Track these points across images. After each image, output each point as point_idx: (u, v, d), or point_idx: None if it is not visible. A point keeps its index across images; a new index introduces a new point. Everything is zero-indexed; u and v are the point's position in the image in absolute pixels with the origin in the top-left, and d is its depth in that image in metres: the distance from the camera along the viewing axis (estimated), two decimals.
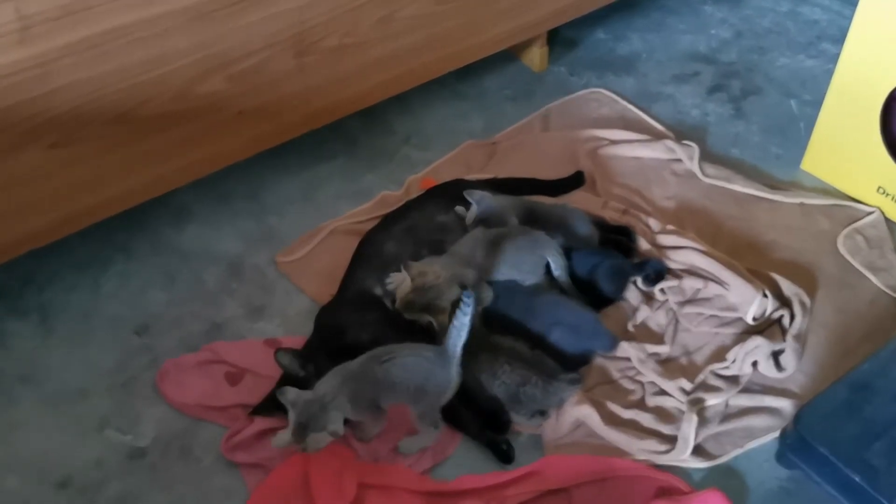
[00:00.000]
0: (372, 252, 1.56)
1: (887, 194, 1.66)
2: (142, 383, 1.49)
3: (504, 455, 1.36)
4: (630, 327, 1.52)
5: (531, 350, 1.44)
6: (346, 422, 1.37)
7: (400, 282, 1.45)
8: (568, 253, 1.56)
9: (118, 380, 1.50)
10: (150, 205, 1.69)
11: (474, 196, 1.58)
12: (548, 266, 1.53)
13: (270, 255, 1.69)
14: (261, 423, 1.39)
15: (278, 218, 1.77)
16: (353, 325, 1.46)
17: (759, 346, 1.43)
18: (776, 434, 1.35)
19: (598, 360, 1.47)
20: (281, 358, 1.39)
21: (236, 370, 1.48)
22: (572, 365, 1.45)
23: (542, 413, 1.39)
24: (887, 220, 1.68)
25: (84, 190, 1.51)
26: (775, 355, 1.45)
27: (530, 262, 1.52)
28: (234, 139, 1.65)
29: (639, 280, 1.56)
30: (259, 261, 1.69)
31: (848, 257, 1.62)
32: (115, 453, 1.40)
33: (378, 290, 1.50)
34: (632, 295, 1.56)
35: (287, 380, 1.40)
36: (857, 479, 1.20)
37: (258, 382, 1.45)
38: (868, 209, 1.69)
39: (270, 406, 1.39)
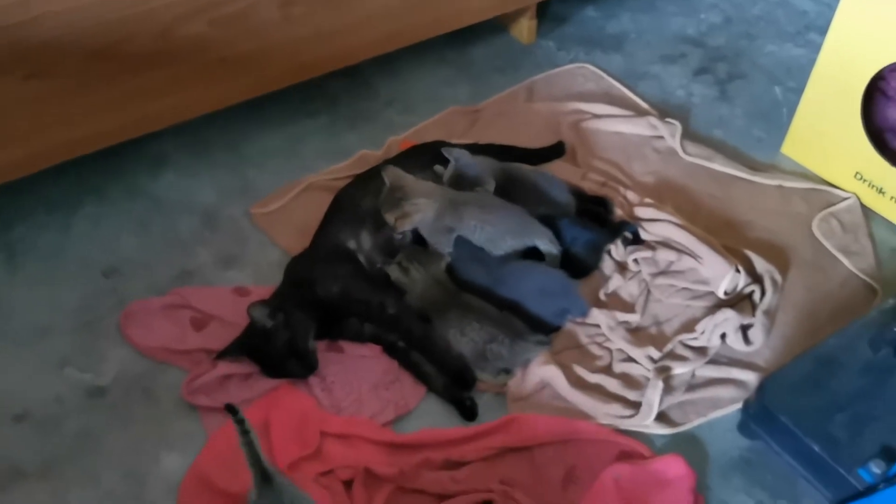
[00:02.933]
0: (347, 207, 1.55)
1: (864, 180, 1.66)
2: (106, 324, 1.47)
3: (468, 411, 1.35)
4: (602, 296, 1.52)
5: (500, 311, 1.43)
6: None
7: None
8: (545, 220, 1.55)
9: (82, 319, 1.48)
10: (127, 150, 1.68)
11: (452, 154, 1.57)
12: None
13: (246, 207, 1.68)
14: (224, 368, 1.38)
15: (257, 171, 1.76)
16: (324, 277, 1.45)
17: (728, 319, 1.43)
18: (740, 405, 1.35)
19: (568, 325, 1.46)
20: (253, 311, 1.37)
21: (202, 316, 1.47)
22: (543, 330, 1.45)
23: (508, 371, 1.39)
24: (863, 206, 1.68)
25: (59, 125, 1.49)
26: (744, 329, 1.45)
27: (511, 247, 1.50)
28: (215, 87, 1.63)
29: (613, 249, 1.55)
30: (234, 212, 1.67)
31: (822, 240, 1.62)
32: (75, 391, 1.38)
33: (351, 244, 1.49)
34: (605, 264, 1.55)
35: (254, 330, 1.38)
36: (816, 448, 1.20)
37: (224, 329, 1.43)
38: (845, 195, 1.70)
39: (235, 352, 1.38)
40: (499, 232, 1.49)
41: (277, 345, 1.36)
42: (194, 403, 1.35)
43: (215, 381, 1.37)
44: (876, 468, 1.15)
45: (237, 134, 1.82)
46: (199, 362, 1.40)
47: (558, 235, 1.53)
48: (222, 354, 1.38)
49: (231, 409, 1.10)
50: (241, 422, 1.09)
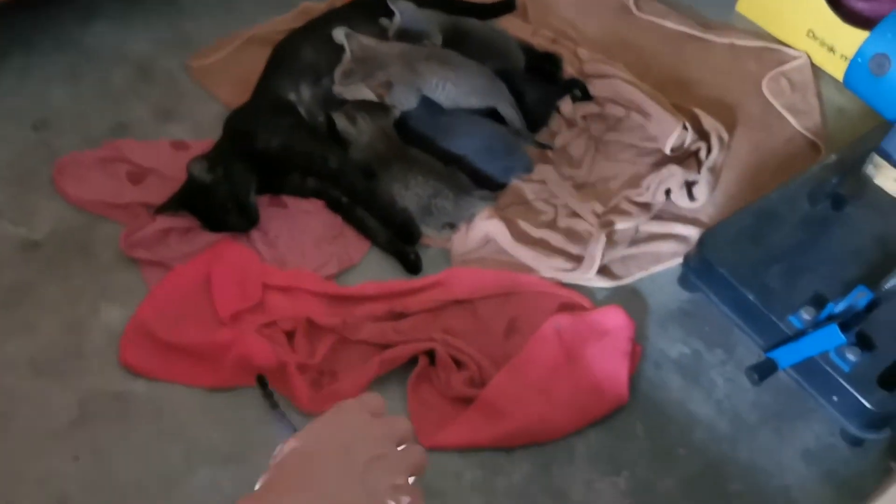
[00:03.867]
0: (288, 57, 1.49)
1: (816, 38, 1.64)
2: (39, 178, 1.42)
3: (412, 265, 1.35)
4: (549, 152, 1.50)
5: (446, 166, 1.41)
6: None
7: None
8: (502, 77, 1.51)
9: (13, 173, 1.43)
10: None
11: (398, 6, 1.51)
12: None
13: (183, 60, 1.61)
14: (164, 222, 1.34)
15: (194, 23, 1.68)
16: (265, 129, 1.40)
17: (673, 175, 1.43)
18: (682, 259, 1.37)
19: (514, 182, 1.45)
20: (192, 166, 1.33)
21: (139, 170, 1.43)
22: (489, 187, 1.44)
23: (452, 226, 1.38)
24: (814, 65, 1.67)
25: None
26: (689, 186, 1.45)
27: (473, 106, 1.47)
28: None
29: (561, 105, 1.53)
30: (171, 64, 1.60)
31: (771, 99, 1.61)
32: (7, 244, 1.34)
33: (292, 97, 1.44)
34: (553, 121, 1.53)
35: (193, 185, 1.35)
36: (751, 297, 1.22)
37: (162, 183, 1.39)
38: (796, 53, 1.68)
39: (174, 206, 1.35)
40: (463, 92, 1.46)
41: (217, 199, 1.33)
42: (133, 257, 1.32)
43: (154, 235, 1.34)
44: (806, 315, 1.18)
45: None
46: (137, 216, 1.37)
47: (518, 95, 1.50)
48: (161, 209, 1.35)
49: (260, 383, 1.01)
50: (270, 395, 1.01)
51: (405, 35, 1.51)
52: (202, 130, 1.50)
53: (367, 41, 1.45)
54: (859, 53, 1.40)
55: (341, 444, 0.61)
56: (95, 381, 1.20)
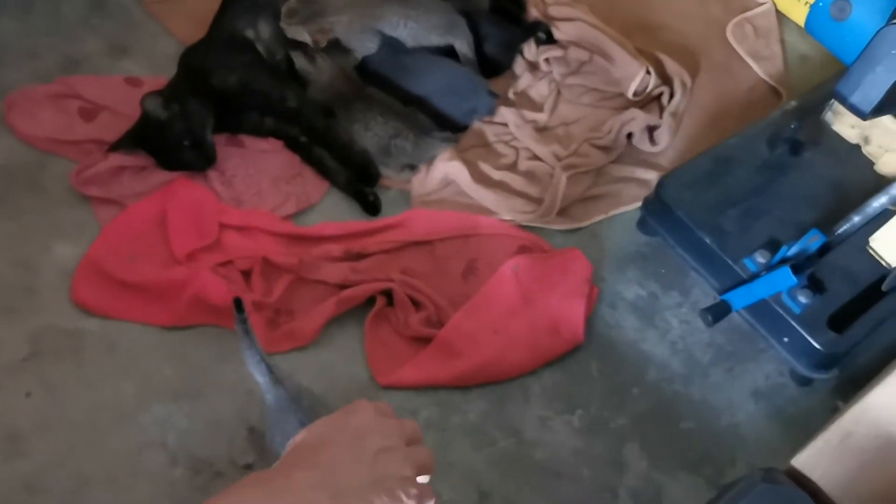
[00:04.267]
0: None
1: None
2: None
3: (371, 207, 1.34)
4: (511, 94, 1.49)
5: (406, 106, 1.40)
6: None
7: None
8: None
9: None
10: None
11: None
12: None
13: None
14: (117, 159, 1.32)
15: None
16: (221, 66, 1.37)
17: (635, 119, 1.43)
18: (641, 203, 1.37)
19: (476, 124, 1.44)
20: (146, 102, 1.30)
21: (92, 106, 1.39)
22: (450, 129, 1.43)
23: (412, 167, 1.37)
24: (778, 11, 1.66)
25: None
26: (650, 130, 1.45)
27: (434, 44, 1.46)
28: None
29: (525, 48, 1.51)
30: None
31: (735, 45, 1.61)
32: None
33: (249, 34, 1.41)
34: (516, 64, 1.52)
35: (147, 122, 1.32)
36: (707, 240, 1.23)
37: (116, 120, 1.36)
38: (761, 0, 1.68)
39: (128, 143, 1.32)
40: (424, 28, 1.44)
41: (173, 136, 1.30)
42: (86, 194, 1.30)
43: (108, 173, 1.31)
44: (761, 258, 1.19)
45: None
46: (89, 153, 1.34)
47: (477, 36, 1.48)
48: (115, 146, 1.32)
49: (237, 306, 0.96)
50: (244, 321, 0.96)
51: None
52: (157, 67, 1.46)
53: None
54: None
55: (353, 434, 0.64)
56: (47, 318, 1.19)
